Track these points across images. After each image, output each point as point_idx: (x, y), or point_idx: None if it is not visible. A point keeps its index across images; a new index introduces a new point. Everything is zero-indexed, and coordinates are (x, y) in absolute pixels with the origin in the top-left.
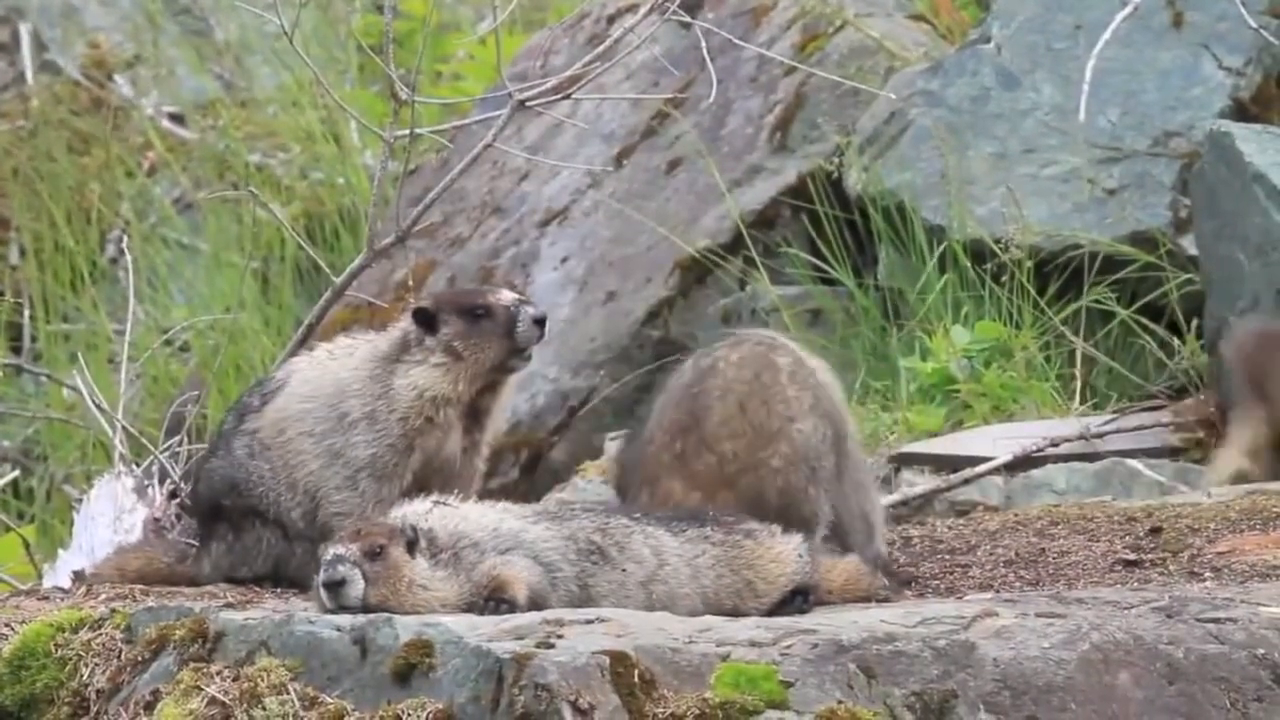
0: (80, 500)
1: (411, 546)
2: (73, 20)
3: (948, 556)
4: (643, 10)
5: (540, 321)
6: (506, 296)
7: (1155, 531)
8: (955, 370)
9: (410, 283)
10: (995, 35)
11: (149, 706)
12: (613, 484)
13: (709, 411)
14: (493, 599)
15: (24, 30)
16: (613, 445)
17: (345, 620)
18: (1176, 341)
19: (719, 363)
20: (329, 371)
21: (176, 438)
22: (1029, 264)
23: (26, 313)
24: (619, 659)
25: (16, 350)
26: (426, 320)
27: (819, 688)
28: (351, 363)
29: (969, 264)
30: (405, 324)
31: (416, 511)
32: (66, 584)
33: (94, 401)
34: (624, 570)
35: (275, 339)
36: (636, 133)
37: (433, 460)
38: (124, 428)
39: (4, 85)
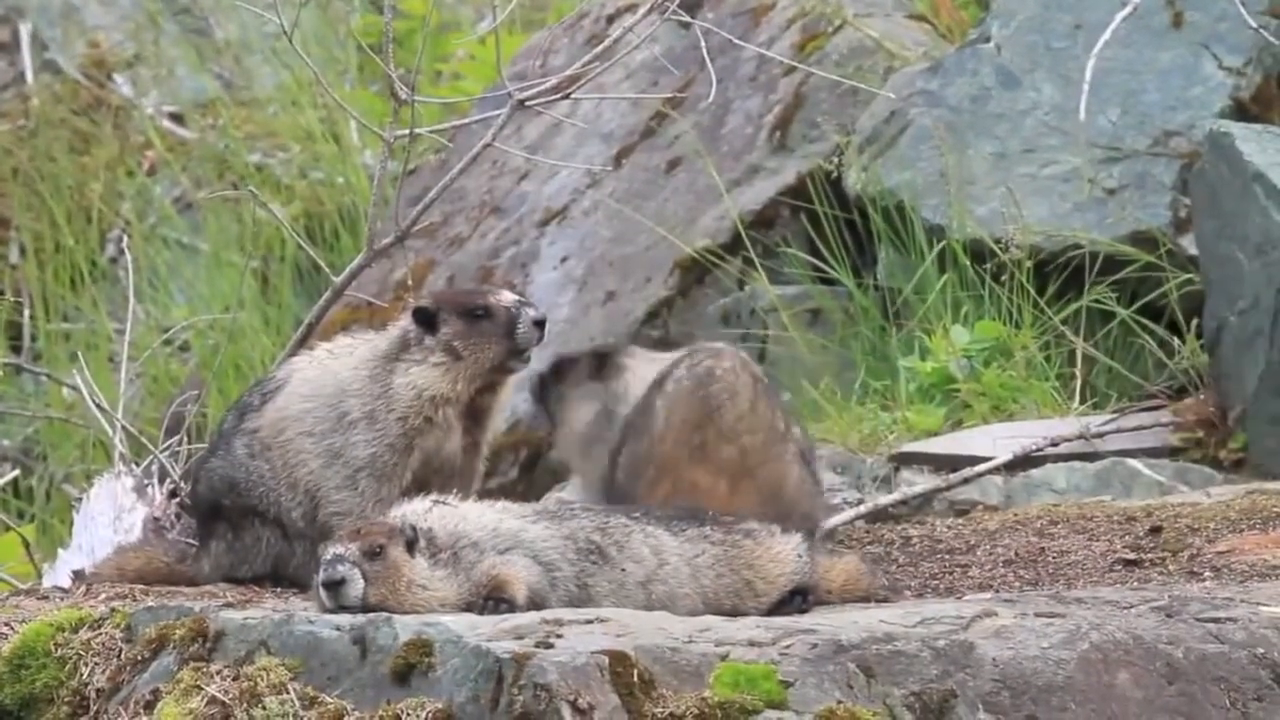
0: (80, 499)
1: (411, 546)
2: (72, 20)
3: (947, 556)
4: (642, 10)
5: (540, 324)
6: (507, 297)
7: (1155, 531)
8: (955, 370)
9: (409, 282)
10: (995, 35)
11: (149, 706)
12: (595, 485)
13: (722, 409)
14: (492, 598)
15: (24, 30)
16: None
17: (345, 620)
18: (1176, 341)
19: (715, 369)
20: (329, 371)
21: (176, 437)
22: (1029, 264)
23: (26, 312)
24: (618, 659)
25: (16, 350)
26: (426, 319)
27: (818, 687)
28: (351, 362)
29: (969, 264)
30: (405, 323)
31: (416, 511)
32: (66, 583)
33: (94, 401)
34: (623, 570)
35: (275, 338)
36: (636, 132)
37: (432, 460)
38: (124, 427)
39: (4, 85)
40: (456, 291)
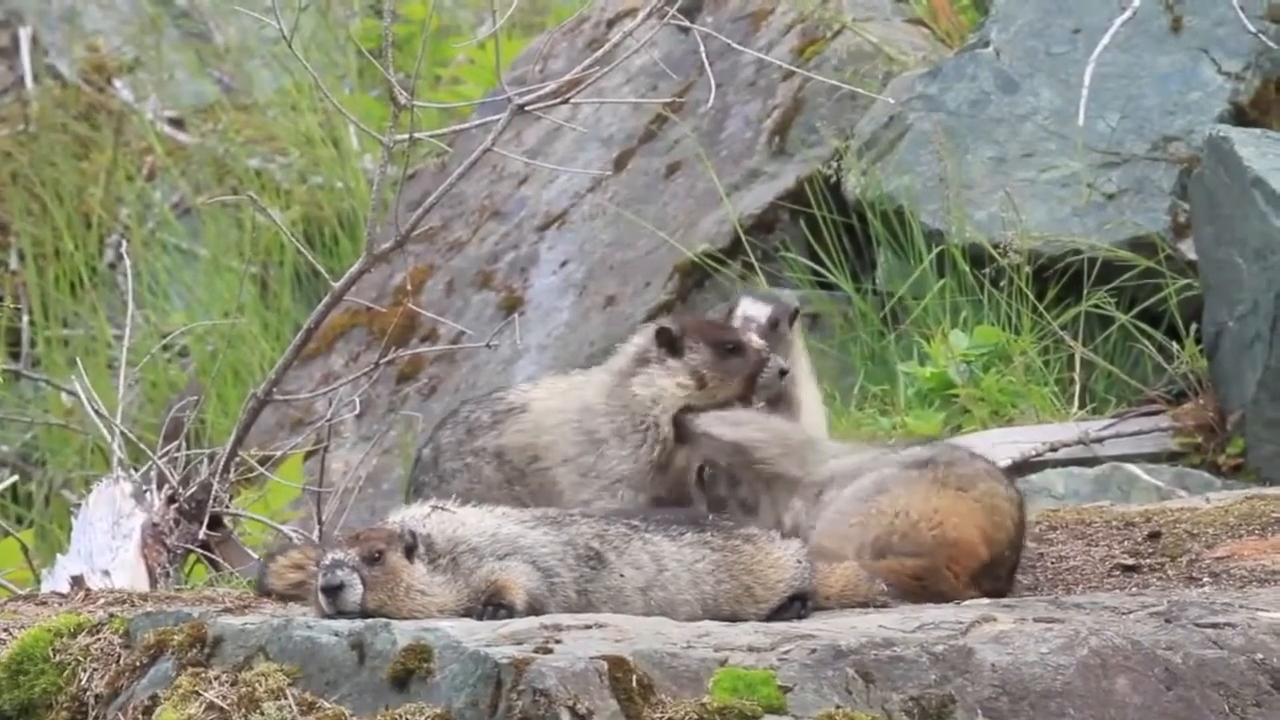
0: (79, 505)
1: (410, 551)
2: (72, 24)
3: None
4: (642, 14)
5: (784, 374)
6: (757, 341)
7: (1154, 536)
8: (954, 375)
9: (409, 287)
10: (994, 39)
11: (147, 711)
12: None
13: None
14: (491, 604)
15: (23, 34)
16: None
17: (343, 625)
18: (1175, 346)
19: None
20: (572, 398)
21: (175, 443)
22: (1028, 268)
23: (26, 318)
24: (617, 664)
25: (15, 355)
26: (669, 341)
27: (817, 693)
28: (592, 387)
29: (967, 268)
30: (642, 341)
31: (415, 516)
32: (65, 588)
33: (92, 406)
34: (622, 576)
35: (274, 344)
36: (635, 137)
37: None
38: (122, 433)
39: (3, 89)
40: (703, 321)
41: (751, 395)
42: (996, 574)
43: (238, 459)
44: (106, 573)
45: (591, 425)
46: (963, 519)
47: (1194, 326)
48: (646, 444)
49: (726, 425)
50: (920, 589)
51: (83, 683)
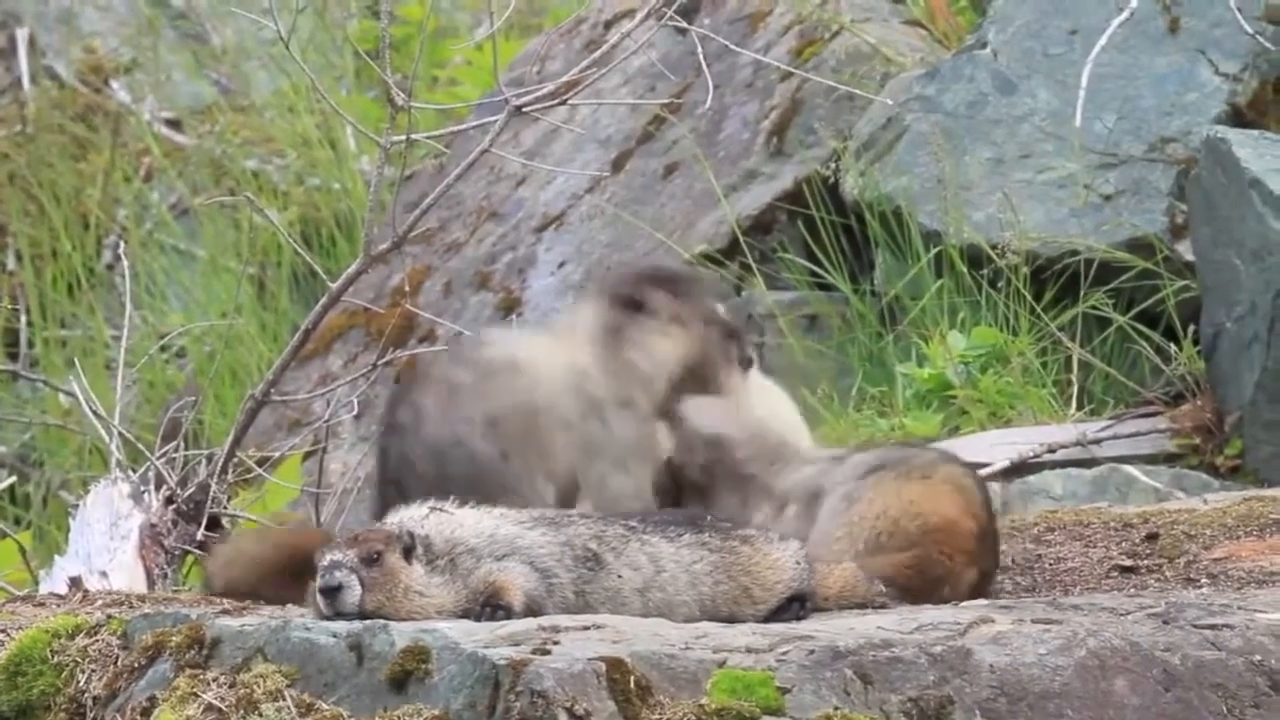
0: (77, 506)
1: (408, 552)
2: (69, 25)
3: None
4: (639, 15)
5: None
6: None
7: (1152, 538)
8: (952, 376)
9: (406, 288)
10: (991, 40)
11: (145, 713)
12: None
13: None
14: (489, 605)
15: (20, 35)
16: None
17: (341, 627)
18: (1173, 347)
19: None
20: (557, 359)
21: (173, 443)
22: (1025, 270)
23: (23, 318)
24: (615, 665)
25: (13, 356)
26: (631, 303)
27: (815, 694)
28: (579, 350)
29: (965, 269)
30: (599, 312)
31: (413, 517)
32: (63, 590)
33: (90, 407)
34: (620, 577)
35: (271, 345)
36: (633, 138)
37: None
38: (120, 433)
39: (1, 90)
40: (638, 272)
41: (717, 315)
42: (987, 547)
43: (236, 460)
44: (104, 574)
45: (592, 389)
46: (938, 503)
47: (1191, 328)
48: (647, 403)
49: (707, 417)
50: (921, 580)
51: (81, 684)
